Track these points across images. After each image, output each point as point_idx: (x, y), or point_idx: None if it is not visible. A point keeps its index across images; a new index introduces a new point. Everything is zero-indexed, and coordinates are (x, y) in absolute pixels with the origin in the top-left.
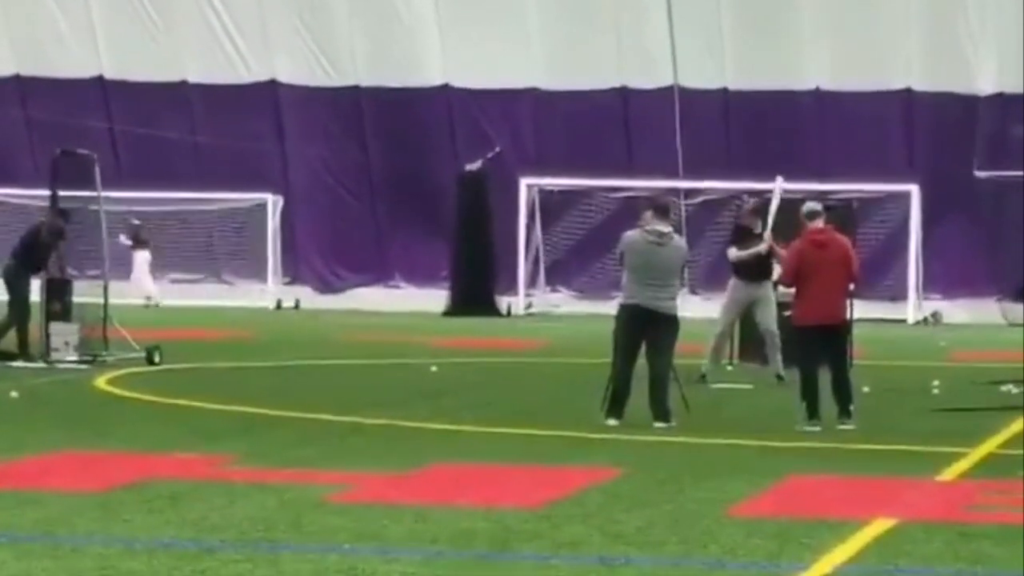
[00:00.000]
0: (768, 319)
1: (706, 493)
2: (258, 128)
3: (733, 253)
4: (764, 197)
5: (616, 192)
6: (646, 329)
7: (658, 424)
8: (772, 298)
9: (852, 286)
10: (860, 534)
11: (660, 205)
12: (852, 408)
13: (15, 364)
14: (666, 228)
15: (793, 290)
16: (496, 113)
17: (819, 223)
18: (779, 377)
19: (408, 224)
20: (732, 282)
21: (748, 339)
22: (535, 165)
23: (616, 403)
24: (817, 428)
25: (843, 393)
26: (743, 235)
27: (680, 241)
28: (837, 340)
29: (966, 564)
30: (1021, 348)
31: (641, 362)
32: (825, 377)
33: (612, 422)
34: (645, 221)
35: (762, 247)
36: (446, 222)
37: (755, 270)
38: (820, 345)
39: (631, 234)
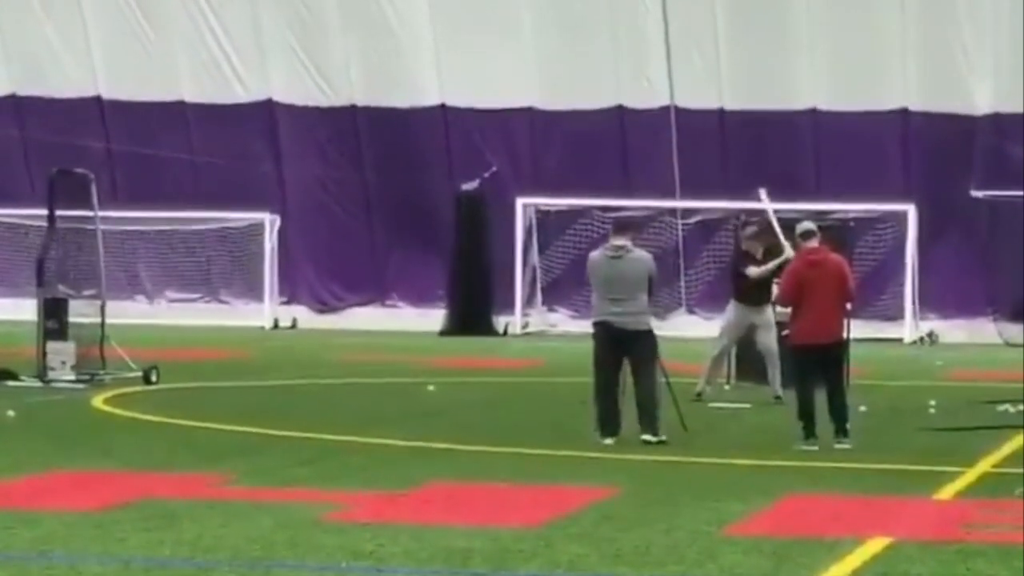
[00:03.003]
0: (769, 340)
1: (703, 512)
2: (255, 147)
3: (754, 271)
4: (764, 218)
5: (613, 212)
6: (621, 346)
7: (646, 437)
8: (772, 321)
9: (849, 305)
10: (857, 553)
11: (621, 222)
12: (848, 427)
13: (12, 383)
14: (622, 241)
15: (789, 310)
16: (493, 133)
17: (813, 243)
18: (777, 398)
19: (405, 244)
20: (732, 304)
21: (745, 359)
22: (532, 185)
23: (608, 421)
24: (814, 447)
25: (839, 412)
26: (747, 260)
27: (640, 254)
28: (833, 359)
29: None
30: (1018, 368)
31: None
32: (821, 396)
33: (608, 441)
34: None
35: (788, 253)
36: (443, 242)
37: (757, 294)
38: (816, 364)
39: (593, 254)
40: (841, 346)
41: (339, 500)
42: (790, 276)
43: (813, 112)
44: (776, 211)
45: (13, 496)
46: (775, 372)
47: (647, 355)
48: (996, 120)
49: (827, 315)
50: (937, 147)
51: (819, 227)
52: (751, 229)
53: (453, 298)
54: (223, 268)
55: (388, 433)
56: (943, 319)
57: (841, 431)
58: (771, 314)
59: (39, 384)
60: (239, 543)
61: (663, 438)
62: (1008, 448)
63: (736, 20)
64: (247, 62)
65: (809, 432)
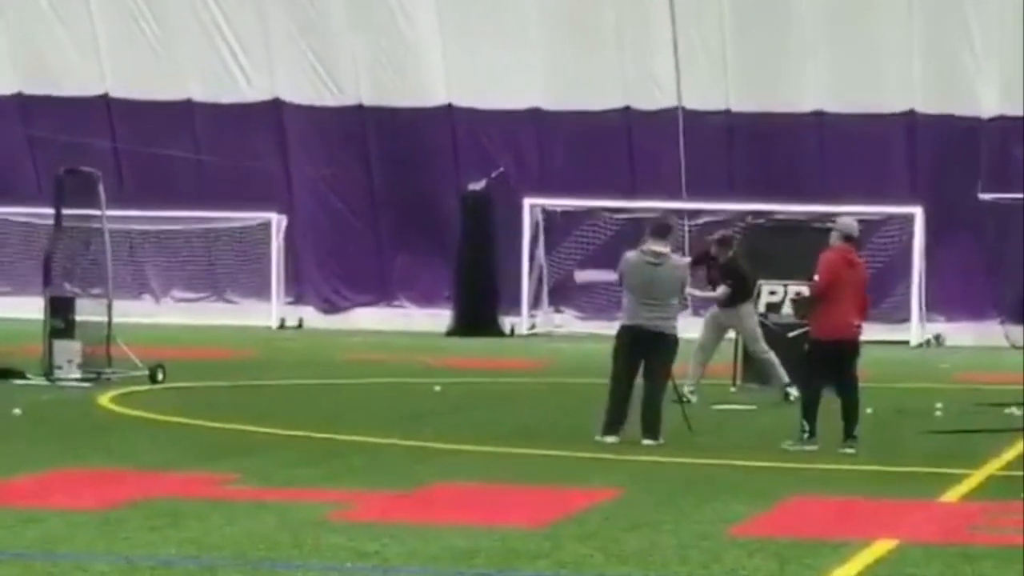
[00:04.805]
0: (751, 340)
1: (708, 513)
2: (261, 147)
3: (696, 292)
4: (732, 228)
5: (619, 213)
6: (645, 349)
7: (646, 441)
8: (747, 318)
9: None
10: (862, 555)
11: (659, 226)
12: (857, 432)
13: (18, 381)
14: (663, 248)
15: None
16: (499, 133)
17: (850, 244)
18: (786, 396)
19: (411, 244)
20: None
21: (750, 360)
22: (538, 185)
23: (613, 421)
24: (814, 447)
25: (852, 414)
26: (704, 259)
27: (678, 261)
28: (852, 358)
29: None
30: None
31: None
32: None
33: (609, 440)
34: (644, 242)
35: (719, 293)
36: (449, 242)
37: (732, 297)
38: (833, 362)
39: (630, 255)
40: (858, 346)
41: (344, 500)
42: (829, 268)
43: (819, 114)
44: (791, 214)
45: (18, 494)
46: (772, 368)
47: (665, 358)
48: (1002, 122)
49: (851, 315)
50: (944, 149)
51: (825, 229)
52: (718, 235)
53: (459, 298)
54: (230, 267)
55: (393, 433)
56: (949, 321)
57: (850, 435)
58: (746, 311)
59: (45, 383)
60: (244, 542)
61: (661, 442)
62: (1014, 451)
63: (743, 22)
64: (254, 61)
65: (812, 432)
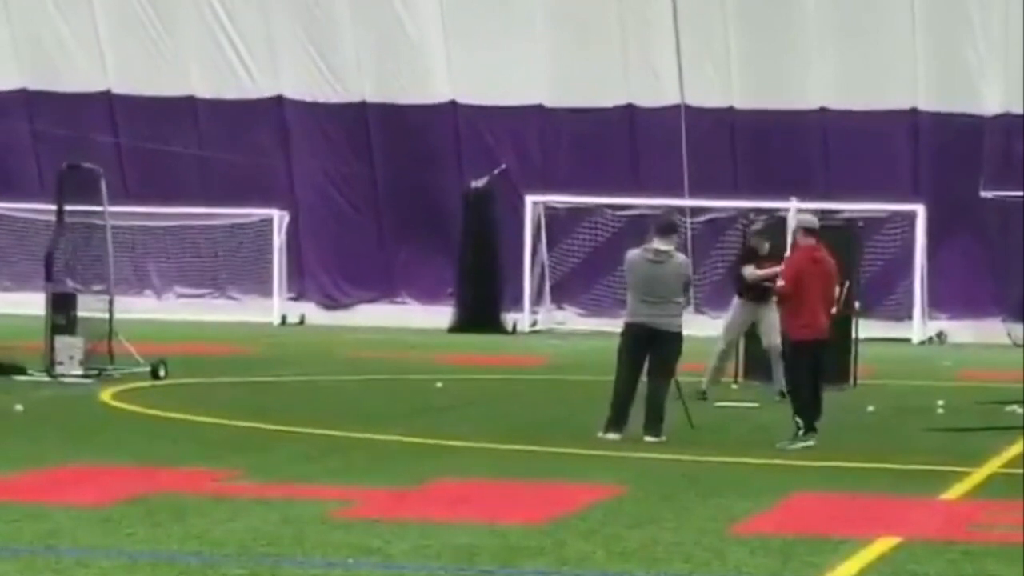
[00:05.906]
0: (773, 338)
1: (710, 511)
2: (264, 144)
3: (750, 272)
4: (772, 216)
5: (622, 210)
6: (649, 347)
7: (648, 438)
8: (776, 318)
9: (833, 310)
10: (864, 552)
11: (663, 224)
12: (818, 425)
13: (20, 377)
14: (665, 246)
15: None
16: (502, 130)
17: (813, 239)
18: (782, 394)
19: (414, 240)
20: (736, 301)
21: (752, 357)
22: (541, 182)
23: (615, 418)
24: (811, 443)
25: (819, 408)
26: (751, 256)
27: (680, 259)
28: (823, 356)
29: None
30: None
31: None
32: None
33: (611, 436)
34: (649, 240)
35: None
36: (452, 239)
37: (761, 291)
38: (814, 361)
39: (632, 253)
40: (828, 344)
41: (346, 496)
42: (791, 268)
43: (823, 111)
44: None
45: (20, 490)
46: (779, 370)
47: (670, 357)
48: (1006, 120)
49: (823, 311)
50: (946, 147)
51: (828, 226)
52: (757, 225)
53: (461, 295)
54: (232, 264)
55: (396, 429)
56: (952, 319)
57: (811, 428)
58: (774, 309)
59: (47, 379)
60: (246, 538)
61: (663, 439)
62: (1015, 449)
63: (746, 19)
64: (257, 58)
65: (806, 430)
